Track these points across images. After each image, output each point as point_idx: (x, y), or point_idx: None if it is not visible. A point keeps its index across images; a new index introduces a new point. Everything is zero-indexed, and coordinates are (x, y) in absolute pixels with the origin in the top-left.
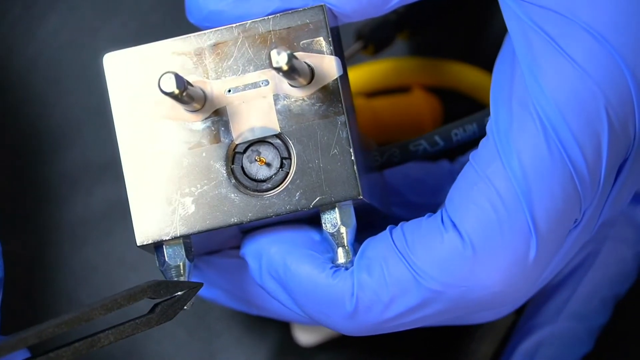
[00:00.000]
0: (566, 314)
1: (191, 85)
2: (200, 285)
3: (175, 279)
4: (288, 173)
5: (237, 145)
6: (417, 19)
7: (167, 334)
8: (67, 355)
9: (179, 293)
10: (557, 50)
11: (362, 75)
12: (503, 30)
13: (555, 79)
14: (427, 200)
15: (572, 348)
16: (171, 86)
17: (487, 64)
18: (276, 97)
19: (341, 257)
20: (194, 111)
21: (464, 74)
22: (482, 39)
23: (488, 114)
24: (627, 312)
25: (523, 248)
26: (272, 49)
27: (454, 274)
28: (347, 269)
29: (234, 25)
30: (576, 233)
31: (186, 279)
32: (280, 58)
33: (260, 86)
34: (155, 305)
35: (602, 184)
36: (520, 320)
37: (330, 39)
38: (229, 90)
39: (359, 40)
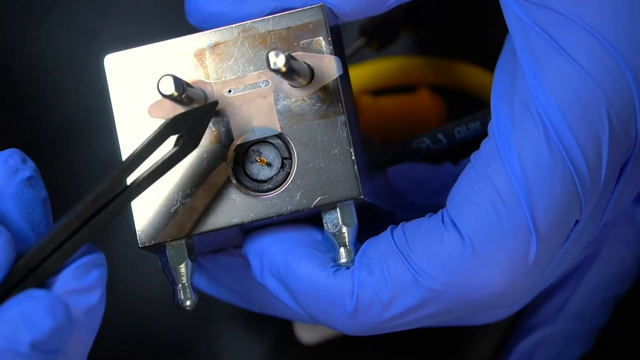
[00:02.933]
0: (565, 314)
1: (191, 86)
2: (216, 102)
3: (178, 279)
4: (289, 173)
5: (238, 145)
6: (421, 15)
7: (168, 333)
8: (106, 218)
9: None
10: (559, 50)
11: (367, 73)
12: (507, 30)
13: (556, 80)
14: (430, 203)
15: (570, 348)
16: (170, 88)
17: (491, 64)
18: (276, 97)
19: (343, 257)
20: None
21: (468, 74)
22: (487, 38)
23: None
24: (627, 312)
25: (523, 248)
26: (270, 51)
27: (454, 274)
28: (348, 268)
29: (233, 25)
30: (577, 233)
31: (189, 280)
32: (278, 60)
33: (260, 86)
34: (178, 137)
35: (603, 185)
36: (520, 319)
37: (330, 38)
38: (229, 91)
39: (363, 36)
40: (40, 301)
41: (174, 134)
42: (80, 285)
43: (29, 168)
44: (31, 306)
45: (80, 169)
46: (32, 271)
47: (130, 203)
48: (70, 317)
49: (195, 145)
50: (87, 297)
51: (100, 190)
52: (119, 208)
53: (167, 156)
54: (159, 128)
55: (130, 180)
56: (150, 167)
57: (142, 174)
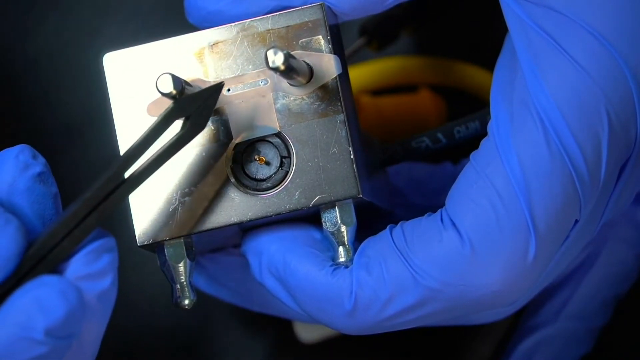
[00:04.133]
0: (566, 314)
1: (190, 85)
2: (222, 83)
3: (176, 278)
4: (288, 172)
5: (236, 144)
6: (421, 15)
7: (168, 333)
8: (113, 203)
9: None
10: (558, 50)
11: (367, 73)
12: (507, 30)
13: (556, 79)
14: (430, 202)
15: (571, 348)
16: (168, 87)
17: (491, 64)
18: (275, 96)
19: (342, 256)
20: None
21: (468, 74)
22: (487, 38)
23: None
24: (627, 312)
25: (522, 247)
26: (268, 49)
27: (452, 273)
28: (347, 267)
29: (233, 24)
30: (577, 233)
31: (187, 279)
32: (276, 58)
33: (259, 85)
34: (185, 120)
35: (602, 184)
36: (520, 319)
37: (329, 37)
38: (228, 90)
39: (363, 35)
40: (52, 287)
41: (180, 116)
42: (91, 270)
43: (39, 164)
44: (44, 292)
45: (82, 169)
46: (43, 259)
47: (140, 185)
48: (83, 301)
49: (201, 127)
50: (99, 281)
51: (108, 176)
52: (128, 191)
53: (174, 138)
54: (165, 111)
55: (136, 165)
56: (157, 151)
57: (149, 158)
